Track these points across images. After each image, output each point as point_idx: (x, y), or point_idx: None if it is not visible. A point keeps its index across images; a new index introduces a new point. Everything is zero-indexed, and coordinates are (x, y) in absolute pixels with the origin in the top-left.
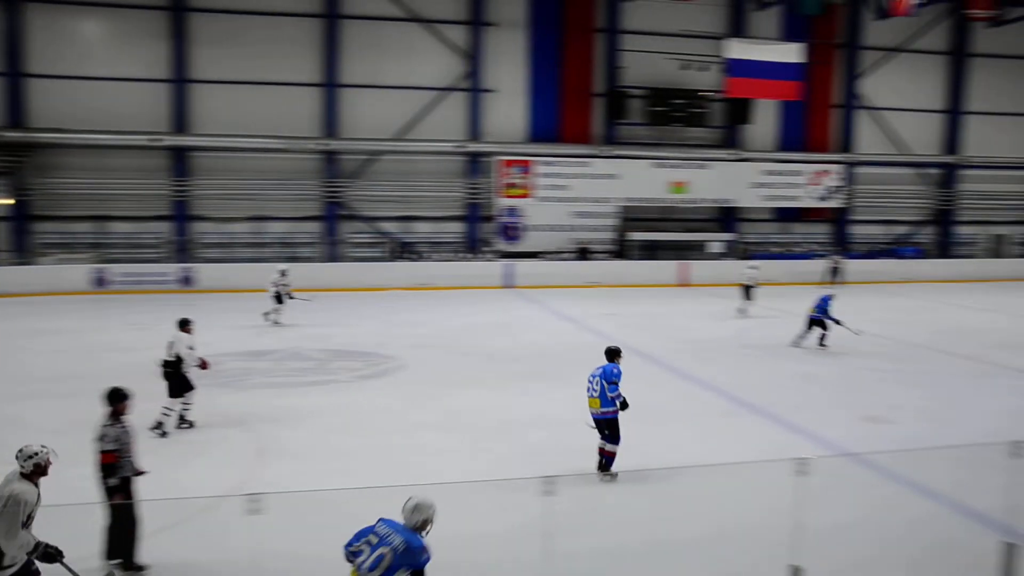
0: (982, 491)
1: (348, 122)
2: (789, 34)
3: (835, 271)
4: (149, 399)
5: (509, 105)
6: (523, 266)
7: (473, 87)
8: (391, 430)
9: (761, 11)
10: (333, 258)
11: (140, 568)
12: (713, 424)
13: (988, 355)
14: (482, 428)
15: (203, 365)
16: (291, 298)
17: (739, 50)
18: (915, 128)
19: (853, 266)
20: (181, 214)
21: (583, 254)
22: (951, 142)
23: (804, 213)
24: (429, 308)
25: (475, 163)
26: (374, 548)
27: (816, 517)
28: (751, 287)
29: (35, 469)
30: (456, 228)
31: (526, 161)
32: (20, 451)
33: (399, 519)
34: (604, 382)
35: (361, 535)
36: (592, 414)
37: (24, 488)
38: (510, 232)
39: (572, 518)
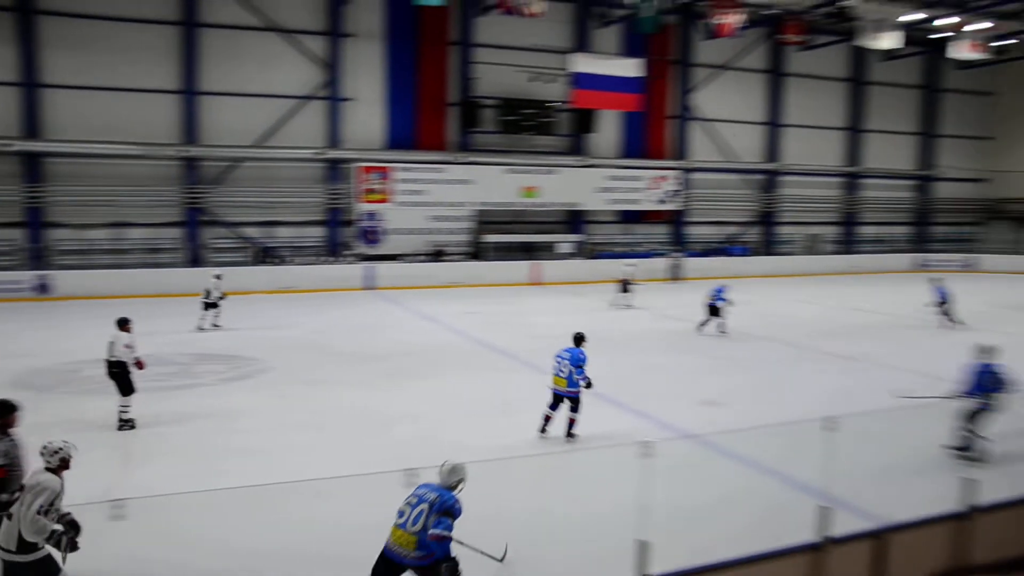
0: (802, 462)
1: (209, 129)
2: (629, 50)
3: (676, 268)
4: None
5: (368, 113)
6: (383, 268)
7: (332, 96)
8: (258, 431)
9: (604, 28)
10: (195, 263)
11: None
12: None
13: (807, 342)
14: (348, 426)
15: (139, 365)
16: (221, 300)
17: (584, 64)
18: (741, 138)
19: (690, 264)
20: (35, 221)
21: (438, 256)
22: (772, 151)
23: (645, 215)
24: (293, 311)
25: (335, 169)
26: (413, 507)
27: (661, 494)
28: (628, 282)
29: (60, 464)
30: (317, 232)
31: (385, 167)
32: (44, 447)
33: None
34: (572, 366)
35: (407, 501)
36: (554, 390)
37: (52, 478)
38: (370, 236)
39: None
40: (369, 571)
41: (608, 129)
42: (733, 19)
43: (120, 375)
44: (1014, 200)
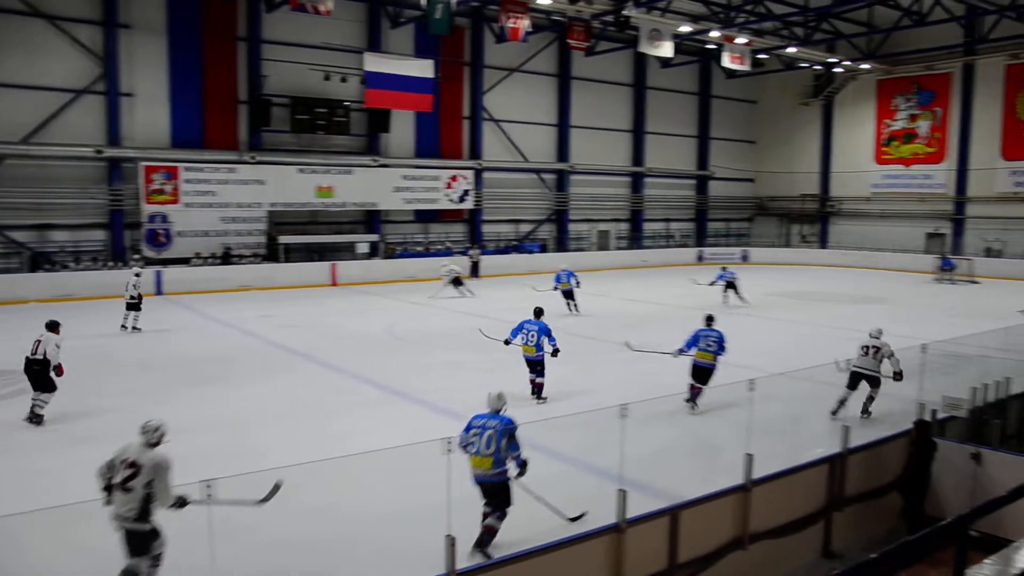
0: (602, 449)
1: None
2: (422, 51)
3: (475, 266)
4: None
5: (151, 110)
6: (173, 272)
7: (110, 91)
8: (34, 448)
9: (396, 28)
10: None
11: None
12: (368, 413)
13: (603, 334)
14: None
15: (59, 370)
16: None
17: (376, 64)
18: (533, 138)
19: (487, 261)
20: None
21: (226, 258)
22: (562, 151)
23: (441, 214)
24: (73, 320)
25: (118, 169)
26: (480, 436)
27: (466, 489)
28: (458, 278)
29: (159, 440)
30: (99, 236)
31: (172, 167)
32: (145, 426)
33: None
34: (542, 335)
35: (467, 430)
36: (526, 356)
37: (161, 452)
38: (158, 239)
39: (244, 515)
40: None
41: (403, 129)
42: (522, 23)
43: (41, 373)
44: (776, 198)
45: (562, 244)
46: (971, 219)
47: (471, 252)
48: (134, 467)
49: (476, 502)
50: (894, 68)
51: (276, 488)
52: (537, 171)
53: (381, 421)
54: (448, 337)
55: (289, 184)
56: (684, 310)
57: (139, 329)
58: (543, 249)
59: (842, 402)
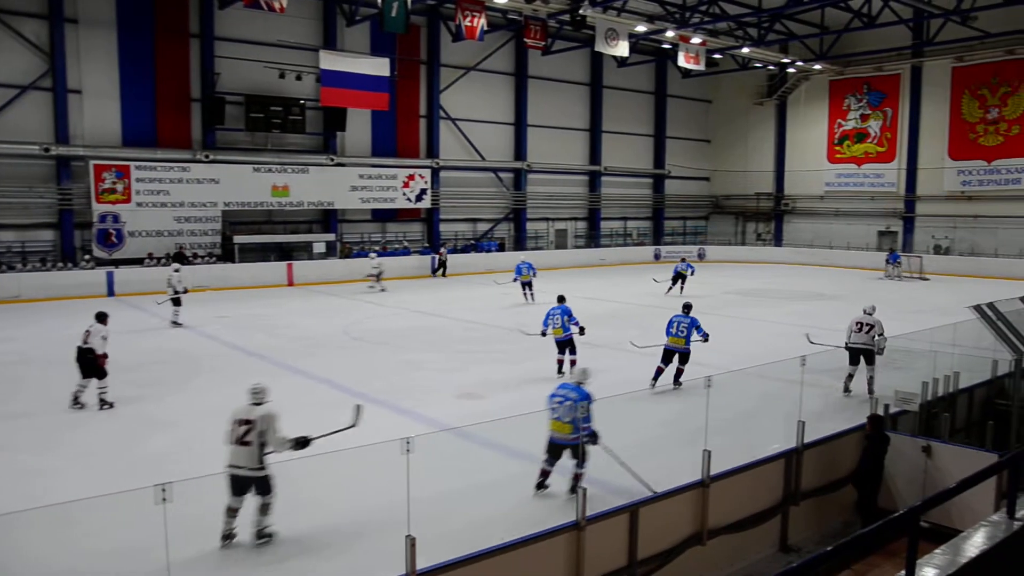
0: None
1: None
2: (378, 49)
3: (443, 264)
4: None
5: (101, 108)
6: (126, 273)
7: (57, 87)
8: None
9: (352, 26)
10: None
11: None
12: (326, 414)
13: None
14: (97, 442)
15: (102, 360)
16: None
17: (332, 62)
18: (490, 137)
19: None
20: None
21: (180, 259)
22: (519, 150)
23: (399, 213)
24: (21, 323)
25: (66, 167)
26: (561, 404)
27: (428, 489)
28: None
29: (263, 399)
30: (48, 236)
31: (123, 166)
32: (253, 388)
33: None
34: (564, 317)
35: (552, 399)
36: (556, 338)
37: (269, 408)
38: (109, 239)
39: (199, 520)
40: None
41: (359, 128)
42: (479, 22)
43: (91, 361)
44: (731, 196)
45: (520, 243)
46: (920, 217)
47: (440, 251)
48: (248, 423)
49: (435, 503)
50: (845, 69)
51: (358, 410)
52: (494, 170)
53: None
54: (406, 337)
55: (244, 183)
56: (643, 308)
57: (180, 324)
58: (501, 248)
59: (850, 376)
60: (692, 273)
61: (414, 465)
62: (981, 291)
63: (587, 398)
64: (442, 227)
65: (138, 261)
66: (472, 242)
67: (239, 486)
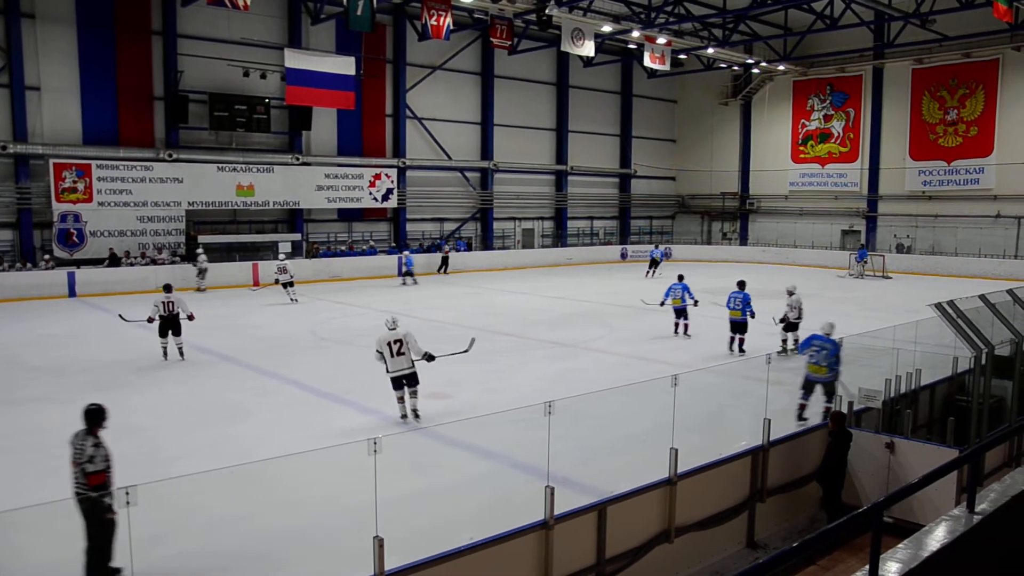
0: (529, 446)
1: None
2: (343, 48)
3: (445, 260)
4: None
5: (61, 105)
6: (87, 274)
7: (14, 83)
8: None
9: (317, 25)
10: None
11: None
12: (293, 415)
13: (526, 331)
14: (54, 448)
15: (191, 318)
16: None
17: (296, 60)
18: (457, 137)
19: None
20: None
21: (114, 260)
22: (485, 149)
23: (365, 213)
24: None
25: (24, 166)
26: (818, 351)
27: (395, 489)
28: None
29: (397, 325)
30: (6, 236)
31: (84, 164)
32: (389, 321)
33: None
34: (684, 292)
35: (807, 345)
36: (674, 307)
37: (405, 327)
38: (70, 239)
39: (165, 524)
40: None
41: (325, 127)
42: (444, 21)
43: (175, 323)
44: (697, 196)
45: (487, 242)
46: (883, 216)
47: (444, 248)
48: (398, 341)
49: (403, 503)
50: (809, 70)
51: (472, 342)
52: (461, 169)
53: (306, 422)
54: (372, 337)
55: (208, 182)
56: (610, 307)
57: (296, 300)
58: (468, 247)
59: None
60: (664, 258)
61: (382, 465)
62: (942, 289)
63: (837, 346)
64: (409, 227)
65: (99, 261)
66: (438, 242)
67: (400, 383)
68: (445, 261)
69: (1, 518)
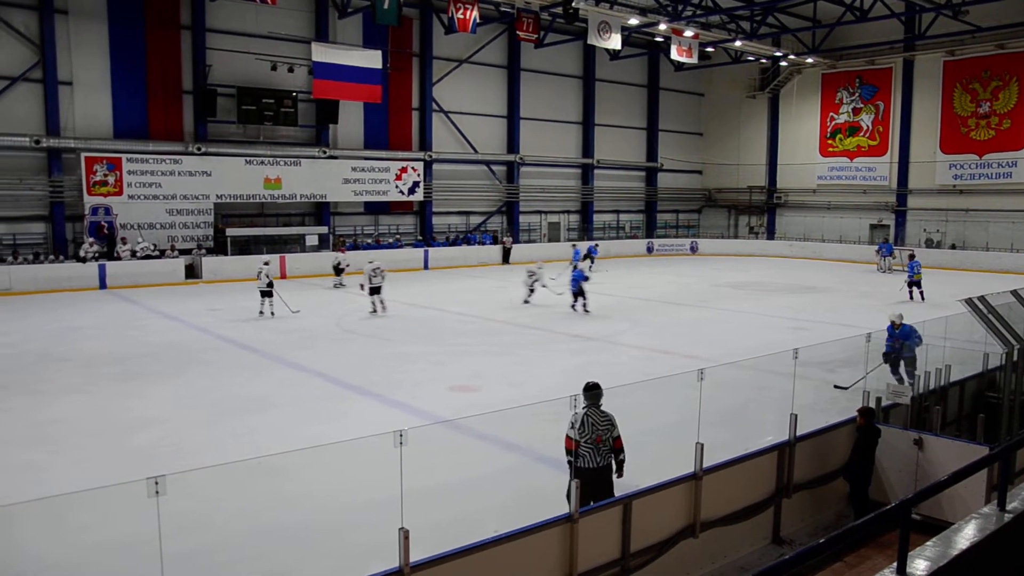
0: (553, 440)
1: None
2: (370, 41)
3: (507, 252)
4: None
5: (92, 100)
6: (118, 266)
7: (47, 78)
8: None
9: (344, 18)
10: None
11: None
12: (318, 407)
13: (551, 325)
14: (84, 437)
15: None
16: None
17: (324, 54)
18: (482, 130)
19: (441, 252)
20: None
21: (168, 251)
22: (512, 143)
23: (391, 206)
24: (12, 316)
25: (57, 160)
26: (902, 342)
27: (419, 482)
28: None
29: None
30: (39, 228)
31: (115, 158)
32: (530, 270)
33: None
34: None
35: (891, 338)
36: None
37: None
38: (101, 231)
39: (185, 516)
40: None
41: (352, 120)
42: (471, 14)
43: (269, 291)
44: (724, 190)
45: (514, 236)
46: (912, 211)
47: (504, 239)
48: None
49: (428, 496)
50: (838, 62)
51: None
52: (487, 163)
53: (332, 415)
54: (397, 330)
55: (236, 176)
56: (636, 301)
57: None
58: (494, 241)
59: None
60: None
61: (407, 458)
62: (972, 284)
63: (914, 331)
64: (435, 220)
65: (132, 254)
66: (464, 235)
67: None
68: (507, 252)
69: (51, 503)
